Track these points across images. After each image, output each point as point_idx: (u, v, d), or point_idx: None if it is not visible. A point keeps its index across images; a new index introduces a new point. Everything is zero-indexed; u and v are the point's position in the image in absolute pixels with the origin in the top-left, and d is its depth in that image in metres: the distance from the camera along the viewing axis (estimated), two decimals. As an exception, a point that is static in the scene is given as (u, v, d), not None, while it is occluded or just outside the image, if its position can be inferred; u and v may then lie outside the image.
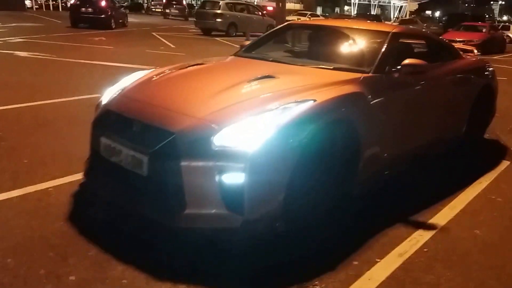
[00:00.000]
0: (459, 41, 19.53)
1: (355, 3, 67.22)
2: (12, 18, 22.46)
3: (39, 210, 3.06)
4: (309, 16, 31.29)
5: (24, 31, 16.37)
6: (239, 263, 2.56)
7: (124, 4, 33.69)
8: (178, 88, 3.34)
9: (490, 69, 5.48)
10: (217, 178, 2.49)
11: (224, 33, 19.89)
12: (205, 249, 2.65)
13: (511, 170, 4.51)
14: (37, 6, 38.05)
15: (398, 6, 64.26)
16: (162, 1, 39.30)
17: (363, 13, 51.00)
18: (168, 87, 3.40)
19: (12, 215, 2.96)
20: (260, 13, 22.43)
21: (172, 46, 14.53)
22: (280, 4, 18.81)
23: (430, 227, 3.15)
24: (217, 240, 2.67)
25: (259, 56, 4.30)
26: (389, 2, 69.23)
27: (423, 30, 19.52)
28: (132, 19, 26.54)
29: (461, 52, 5.36)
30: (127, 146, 2.75)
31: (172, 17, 35.38)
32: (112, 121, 3.01)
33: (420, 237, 2.98)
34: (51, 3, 39.78)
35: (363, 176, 3.25)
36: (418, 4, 57.82)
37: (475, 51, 6.06)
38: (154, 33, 18.90)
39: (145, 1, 55.87)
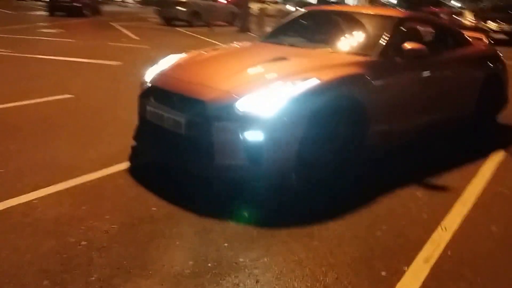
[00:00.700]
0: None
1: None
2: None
3: (26, 228, 2.79)
4: (268, 3, 30.99)
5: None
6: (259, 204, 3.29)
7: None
8: (207, 68, 4.09)
9: (498, 57, 5.72)
10: (240, 136, 3.15)
11: (186, 23, 19.41)
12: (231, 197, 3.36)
13: (509, 160, 4.53)
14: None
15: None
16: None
17: (323, 1, 50.98)
18: (199, 67, 4.15)
19: (-7, 235, 2.69)
20: (223, 1, 22.00)
21: (135, 37, 14.02)
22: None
23: (447, 227, 3.07)
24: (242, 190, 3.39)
25: (277, 41, 4.98)
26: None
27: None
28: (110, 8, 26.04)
29: (470, 39, 5.57)
30: (168, 112, 3.51)
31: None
32: (155, 93, 3.77)
33: (440, 239, 2.90)
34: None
35: (371, 142, 3.87)
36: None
37: (484, 39, 6.13)
38: (113, 24, 18.24)
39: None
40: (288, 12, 22.62)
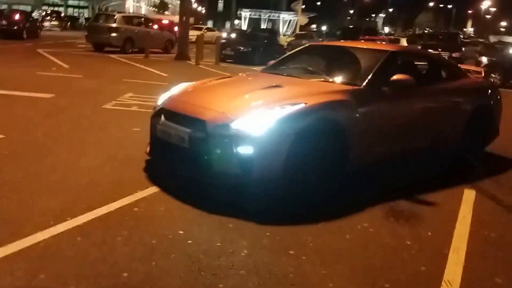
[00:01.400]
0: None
1: (246, 17, 68.58)
2: None
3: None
4: (205, 30, 31.08)
5: None
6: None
7: (37, 18, 31.47)
8: (209, 93, 4.87)
9: (492, 90, 6.19)
10: (234, 149, 3.83)
11: (119, 49, 18.82)
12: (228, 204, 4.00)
13: (480, 198, 4.62)
14: None
15: (287, 20, 66.69)
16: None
17: (257, 27, 52.09)
18: (202, 92, 4.96)
19: None
20: (158, 27, 21.65)
21: (65, 66, 13.30)
22: (184, 18, 18.26)
23: (451, 281, 2.99)
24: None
25: (276, 71, 5.66)
26: (278, 16, 71.57)
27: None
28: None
29: (466, 72, 6.10)
30: (175, 129, 4.23)
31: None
32: (165, 114, 4.47)
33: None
34: None
35: (352, 163, 4.41)
36: (308, 18, 60.68)
37: (482, 72, 6.59)
38: (40, 50, 17.26)
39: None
40: (224, 39, 22.64)
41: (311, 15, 61.68)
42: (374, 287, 2.85)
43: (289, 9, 67.67)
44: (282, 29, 62.21)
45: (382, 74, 4.75)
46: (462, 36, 27.65)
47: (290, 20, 66.41)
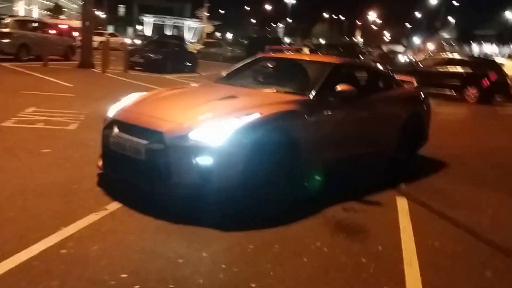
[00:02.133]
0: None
1: (149, 23, 67.10)
2: None
3: None
4: (108, 36, 29.61)
5: None
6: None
7: None
8: (165, 104, 4.86)
9: (422, 99, 6.64)
10: (193, 160, 3.89)
11: (12, 57, 17.12)
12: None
13: (412, 206, 4.69)
14: None
15: (192, 28, 66.28)
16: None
17: (162, 33, 50.85)
18: (157, 103, 4.91)
19: None
20: (57, 33, 20.09)
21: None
22: (87, 23, 17.10)
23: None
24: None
25: (229, 82, 5.81)
26: (183, 23, 70.95)
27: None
28: None
29: (400, 82, 6.51)
30: (130, 141, 4.15)
31: None
32: (119, 126, 4.39)
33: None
34: None
35: (305, 168, 4.71)
36: (214, 26, 60.65)
37: (415, 82, 6.92)
38: None
39: None
40: (131, 45, 21.66)
41: (217, 23, 61.83)
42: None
43: (193, 16, 67.32)
44: (187, 36, 61.61)
45: (328, 85, 5.04)
46: (359, 46, 29.16)
47: (195, 28, 66.04)
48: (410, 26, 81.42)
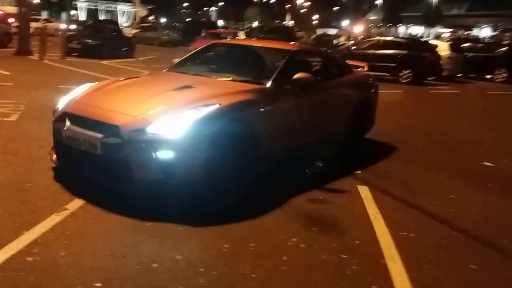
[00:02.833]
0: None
1: (82, 8, 63.61)
2: None
3: None
4: (44, 22, 27.59)
5: None
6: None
7: None
8: (118, 95, 4.43)
9: (371, 84, 6.49)
10: (153, 155, 3.59)
11: None
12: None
13: (376, 194, 4.55)
14: None
15: (125, 12, 63.61)
16: None
17: (96, 18, 48.31)
18: (110, 94, 4.47)
19: None
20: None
21: None
22: (24, 8, 15.79)
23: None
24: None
25: (183, 70, 5.37)
26: (116, 8, 67.95)
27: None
28: None
29: (352, 68, 6.33)
30: (84, 135, 3.80)
31: None
32: (71, 119, 4.01)
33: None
34: None
35: (263, 159, 4.41)
36: (147, 9, 58.48)
37: (366, 67, 6.73)
38: None
39: None
40: (67, 30, 20.35)
41: (150, 7, 59.73)
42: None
43: (126, 0, 64.60)
44: (120, 20, 59.11)
45: (285, 73, 4.80)
46: (294, 30, 29.21)
47: (128, 12, 63.47)
48: (338, 8, 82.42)
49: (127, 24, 53.96)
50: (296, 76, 4.70)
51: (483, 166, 6.01)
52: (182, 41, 31.08)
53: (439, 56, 16.61)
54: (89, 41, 17.70)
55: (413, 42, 19.59)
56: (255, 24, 56.07)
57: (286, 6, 79.08)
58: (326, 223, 3.81)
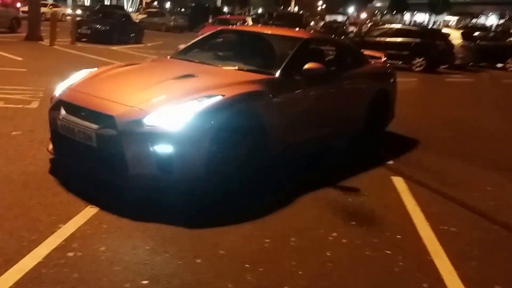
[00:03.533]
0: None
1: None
2: None
3: None
4: (51, 7, 27.30)
5: None
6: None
7: None
8: (116, 83, 4.15)
9: (389, 74, 6.17)
10: (150, 148, 3.32)
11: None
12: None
13: (412, 186, 4.42)
14: None
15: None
16: None
17: (105, 4, 47.75)
18: (108, 82, 4.18)
19: None
20: (1, 4, 18.14)
21: None
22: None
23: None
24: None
25: (188, 57, 5.03)
26: (122, -8, 67.17)
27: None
28: None
29: (368, 57, 6.02)
30: (79, 125, 3.56)
31: None
32: (66, 108, 3.78)
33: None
34: None
35: (273, 153, 4.16)
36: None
37: (383, 57, 6.50)
38: None
39: None
40: (77, 15, 20.10)
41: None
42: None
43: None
44: (126, 6, 58.59)
45: (295, 62, 4.48)
46: (305, 17, 28.80)
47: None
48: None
49: (131, 10, 53.49)
50: (306, 66, 4.35)
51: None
52: (188, 27, 30.78)
53: (452, 45, 16.40)
54: (99, 26, 17.49)
55: (426, 31, 19.41)
56: (260, 10, 55.44)
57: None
58: (364, 216, 3.70)
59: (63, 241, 2.89)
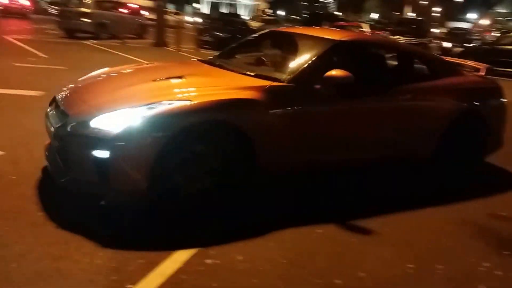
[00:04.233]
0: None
1: (206, 1, 66.55)
2: None
3: None
4: (173, 15, 29.14)
5: None
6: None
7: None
8: (102, 84, 3.95)
9: (489, 92, 4.76)
10: (90, 152, 3.00)
11: (92, 35, 17.08)
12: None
13: None
14: None
15: (247, 5, 65.18)
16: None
17: (224, 12, 49.96)
18: (99, 82, 4.00)
19: None
20: (129, 12, 19.87)
21: (43, 55, 11.66)
22: (161, 2, 16.74)
23: None
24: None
25: (212, 60, 4.51)
26: (238, 1, 69.91)
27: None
28: None
29: (456, 68, 4.79)
30: (50, 122, 3.48)
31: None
32: (53, 104, 3.69)
33: None
34: None
35: (265, 171, 3.46)
36: (269, 2, 59.37)
37: (483, 69, 5.05)
38: (8, 37, 15.27)
39: None
40: (198, 23, 21.19)
41: (270, 0, 60.46)
42: None
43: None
44: (241, 13, 60.64)
45: (317, 69, 3.73)
46: (426, 23, 27.26)
47: (248, 5, 64.94)
48: (463, 1, 76.10)
49: (246, 17, 55.27)
50: (328, 73, 3.59)
51: None
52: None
53: None
54: (221, 34, 18.20)
55: None
56: (374, 15, 53.91)
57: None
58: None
59: (201, 247, 2.88)
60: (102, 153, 2.97)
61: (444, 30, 30.38)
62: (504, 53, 12.84)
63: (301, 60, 3.92)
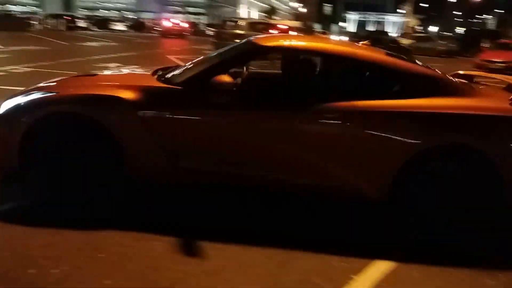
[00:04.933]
0: (498, 62, 17.78)
1: (352, 20, 66.20)
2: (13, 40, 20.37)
3: None
4: (322, 35, 29.41)
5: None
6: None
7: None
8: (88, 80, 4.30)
9: (490, 122, 3.29)
10: None
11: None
12: None
13: None
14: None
15: (396, 22, 63.22)
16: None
17: (372, 30, 49.18)
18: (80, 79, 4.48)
19: None
20: (279, 32, 20.45)
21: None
22: (308, 23, 16.91)
23: None
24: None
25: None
26: (384, 18, 68.32)
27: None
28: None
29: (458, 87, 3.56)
30: None
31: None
32: None
33: None
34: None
35: (133, 170, 3.48)
36: (419, 19, 56.70)
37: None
38: (170, 57, 16.71)
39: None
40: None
41: (421, 17, 57.77)
42: None
43: (395, 11, 64.35)
44: (388, 31, 58.94)
45: (213, 73, 3.41)
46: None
47: (397, 22, 63.00)
48: None
49: (394, 35, 53.49)
50: (214, 78, 3.35)
51: None
52: (459, 52, 28.83)
53: None
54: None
55: None
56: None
57: None
58: None
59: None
60: None
61: None
62: None
63: (206, 64, 3.72)
